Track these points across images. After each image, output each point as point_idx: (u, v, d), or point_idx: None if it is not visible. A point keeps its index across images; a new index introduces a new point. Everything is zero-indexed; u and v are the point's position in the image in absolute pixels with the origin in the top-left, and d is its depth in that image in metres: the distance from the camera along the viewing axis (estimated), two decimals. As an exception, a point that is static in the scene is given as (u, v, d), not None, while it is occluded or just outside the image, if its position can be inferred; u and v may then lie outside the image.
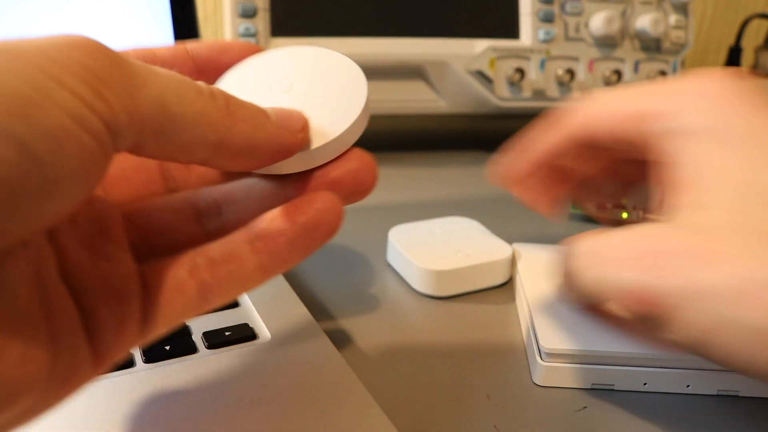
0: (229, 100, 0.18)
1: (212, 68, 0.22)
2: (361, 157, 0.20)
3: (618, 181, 0.30)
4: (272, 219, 0.19)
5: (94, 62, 0.14)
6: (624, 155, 0.27)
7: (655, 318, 0.20)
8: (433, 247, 0.34)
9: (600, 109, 0.26)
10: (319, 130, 0.20)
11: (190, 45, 0.22)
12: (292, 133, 0.19)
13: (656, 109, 0.24)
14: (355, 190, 0.20)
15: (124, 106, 0.14)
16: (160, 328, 0.19)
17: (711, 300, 0.19)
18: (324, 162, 0.20)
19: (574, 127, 0.27)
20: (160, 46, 0.21)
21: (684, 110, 0.23)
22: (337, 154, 0.20)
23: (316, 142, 0.20)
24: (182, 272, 0.19)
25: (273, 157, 0.19)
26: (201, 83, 0.17)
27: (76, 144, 0.13)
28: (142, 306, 0.18)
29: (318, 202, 0.19)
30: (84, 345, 0.17)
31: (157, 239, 0.20)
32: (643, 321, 0.21)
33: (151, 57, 0.21)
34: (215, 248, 0.19)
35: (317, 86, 0.21)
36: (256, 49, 0.23)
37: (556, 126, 0.28)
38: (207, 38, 0.70)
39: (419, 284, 0.33)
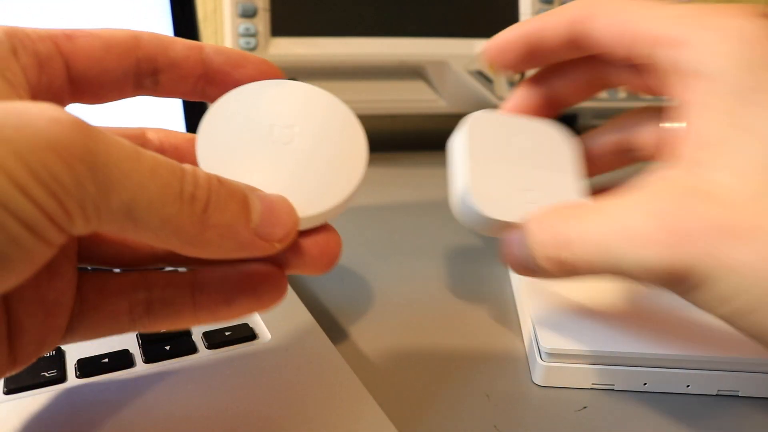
0: (209, 203, 0.16)
1: (221, 80, 0.21)
2: (327, 244, 0.20)
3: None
4: (221, 279, 0.20)
5: (66, 170, 0.13)
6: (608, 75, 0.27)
7: (680, 288, 0.20)
8: (503, 167, 0.26)
9: (612, 14, 0.23)
10: (307, 199, 0.19)
11: (208, 49, 0.21)
12: (270, 243, 0.18)
13: (675, 35, 0.21)
14: (307, 272, 0.20)
15: (86, 214, 0.14)
16: (81, 340, 0.20)
17: (743, 277, 0.18)
18: (302, 230, 0.19)
19: (575, 18, 0.24)
20: (179, 41, 0.21)
21: (706, 46, 0.20)
22: (317, 225, 0.20)
23: (300, 213, 0.19)
24: (120, 300, 0.20)
25: (239, 257, 0.18)
26: (189, 178, 0.16)
27: (24, 252, 0.13)
28: (71, 319, 0.19)
29: (269, 281, 0.19)
30: (3, 350, 0.17)
31: (108, 250, 0.21)
32: (665, 288, 0.20)
33: (164, 50, 0.20)
34: (158, 286, 0.20)
35: (319, 145, 0.20)
36: (274, 71, 0.22)
37: (557, 11, 0.25)
38: (209, 40, 0.70)
39: (459, 212, 0.26)
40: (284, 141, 0.20)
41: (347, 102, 0.22)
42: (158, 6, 0.36)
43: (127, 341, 0.24)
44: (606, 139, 0.28)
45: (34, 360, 0.18)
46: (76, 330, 0.19)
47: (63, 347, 0.24)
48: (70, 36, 0.18)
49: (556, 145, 0.27)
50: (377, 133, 0.67)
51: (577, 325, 0.26)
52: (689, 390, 0.25)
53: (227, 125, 0.20)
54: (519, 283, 0.31)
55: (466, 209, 0.25)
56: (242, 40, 0.49)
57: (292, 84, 0.21)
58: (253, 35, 0.49)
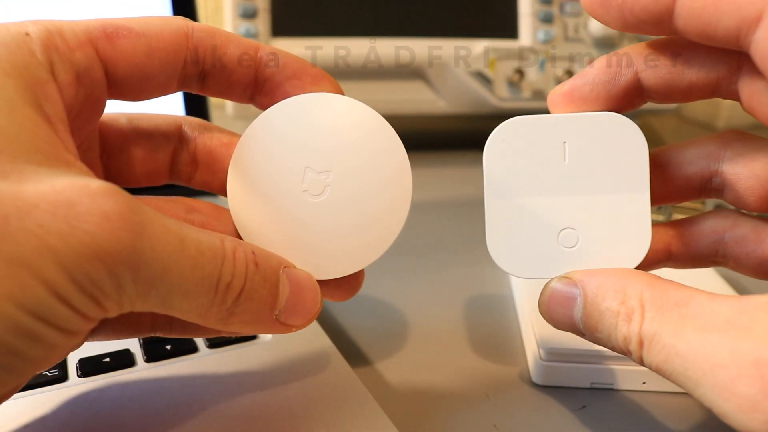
0: (242, 293, 0.17)
1: (271, 90, 0.20)
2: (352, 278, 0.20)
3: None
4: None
5: (109, 276, 0.14)
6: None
7: None
8: (534, 199, 0.20)
9: None
10: (336, 258, 0.19)
11: (264, 52, 0.20)
12: (288, 327, 0.19)
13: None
14: (328, 299, 0.21)
15: (121, 308, 0.15)
16: (102, 340, 0.21)
17: None
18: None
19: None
20: (234, 42, 0.19)
21: None
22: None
23: (329, 273, 0.19)
24: (143, 315, 0.20)
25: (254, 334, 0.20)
26: (228, 267, 0.16)
27: (55, 349, 0.14)
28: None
29: (279, 326, 0.19)
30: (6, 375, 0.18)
31: None
32: None
33: (214, 51, 0.19)
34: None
35: (354, 198, 0.19)
36: (331, 84, 0.21)
37: None
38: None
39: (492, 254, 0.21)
40: (316, 192, 0.19)
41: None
42: (160, 7, 0.36)
43: (129, 341, 0.24)
44: (692, 164, 0.21)
45: (55, 363, 0.19)
46: (96, 334, 0.20)
47: (64, 347, 0.24)
48: (111, 36, 0.17)
49: (617, 152, 0.20)
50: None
51: (576, 324, 0.26)
52: (688, 389, 0.25)
53: (261, 163, 0.19)
54: (518, 283, 0.31)
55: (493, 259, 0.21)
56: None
57: (339, 103, 0.20)
58: (254, 36, 0.49)
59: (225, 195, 0.22)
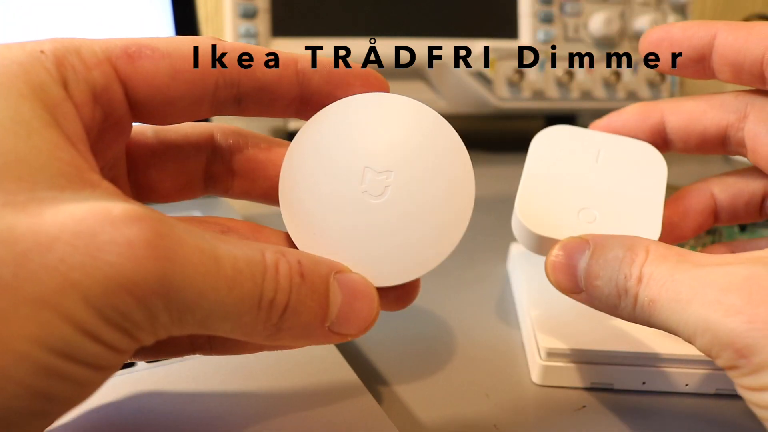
0: (287, 308, 0.16)
1: (320, 101, 0.19)
2: (406, 290, 0.19)
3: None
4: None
5: (139, 308, 0.13)
6: None
7: (737, 367, 0.17)
8: (564, 183, 0.24)
9: None
10: (396, 265, 0.18)
11: (302, 64, 0.18)
12: (343, 337, 0.17)
13: None
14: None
15: (156, 336, 0.14)
16: (141, 360, 0.21)
17: None
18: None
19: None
20: (271, 68, 0.18)
21: None
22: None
23: (388, 279, 0.18)
24: (182, 338, 0.19)
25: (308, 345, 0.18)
26: (270, 283, 0.15)
27: (89, 388, 0.14)
28: None
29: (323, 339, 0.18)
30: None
31: None
32: (718, 363, 0.18)
33: (251, 71, 0.18)
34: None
35: (415, 201, 0.18)
36: (380, 83, 0.19)
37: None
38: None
39: (514, 230, 0.24)
40: (377, 193, 0.18)
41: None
42: (160, 7, 0.36)
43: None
44: (743, 187, 0.25)
45: (88, 398, 0.18)
46: (133, 356, 0.19)
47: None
48: (132, 56, 0.16)
49: (641, 167, 0.24)
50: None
51: (575, 324, 0.27)
52: (687, 389, 0.25)
53: (316, 166, 0.18)
54: (518, 282, 0.31)
55: (516, 224, 0.23)
56: (243, 41, 0.49)
57: (395, 102, 0.19)
58: (254, 36, 0.49)
59: (267, 203, 0.20)
